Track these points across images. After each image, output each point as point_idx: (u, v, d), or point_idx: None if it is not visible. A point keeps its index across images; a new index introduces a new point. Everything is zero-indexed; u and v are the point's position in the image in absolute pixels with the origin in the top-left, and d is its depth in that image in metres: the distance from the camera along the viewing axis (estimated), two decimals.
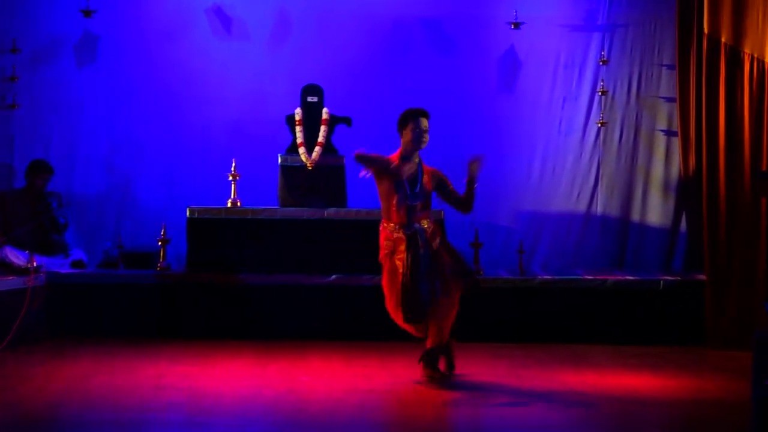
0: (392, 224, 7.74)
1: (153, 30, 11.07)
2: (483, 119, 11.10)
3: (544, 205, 11.04)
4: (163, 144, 11.07)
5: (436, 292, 7.61)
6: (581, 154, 11.06)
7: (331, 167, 10.12)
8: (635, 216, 10.97)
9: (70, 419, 6.78)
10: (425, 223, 7.75)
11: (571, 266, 10.74)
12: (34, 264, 9.31)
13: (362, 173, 7.71)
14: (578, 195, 11.05)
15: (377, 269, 9.57)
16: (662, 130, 10.97)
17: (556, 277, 9.95)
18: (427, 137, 7.81)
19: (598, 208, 11.03)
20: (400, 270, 7.60)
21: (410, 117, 7.80)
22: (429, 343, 7.81)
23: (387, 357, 8.81)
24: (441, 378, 7.78)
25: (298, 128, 10.16)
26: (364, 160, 7.63)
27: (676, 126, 10.50)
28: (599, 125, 11.00)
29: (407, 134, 7.77)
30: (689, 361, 8.88)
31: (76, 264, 10.12)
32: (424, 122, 7.79)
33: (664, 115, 10.96)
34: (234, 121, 11.05)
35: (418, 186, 7.71)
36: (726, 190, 9.66)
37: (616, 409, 7.11)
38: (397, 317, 7.80)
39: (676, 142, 10.58)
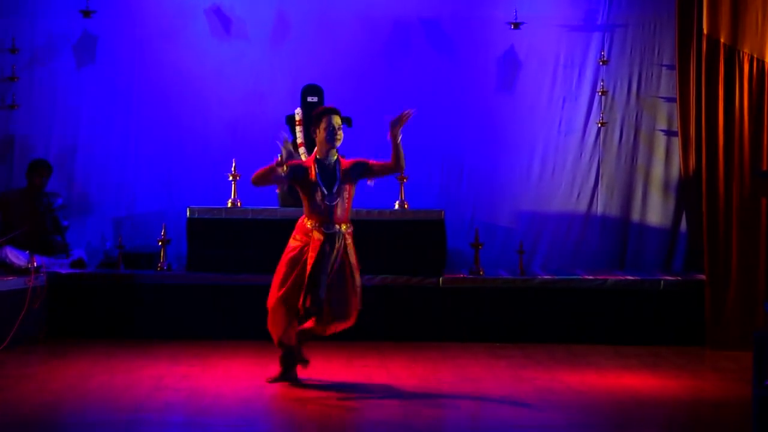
0: (311, 221, 7.58)
1: (152, 30, 11.06)
2: (482, 119, 11.09)
3: (544, 205, 11.02)
4: (162, 144, 11.07)
5: (330, 300, 7.45)
6: (581, 154, 11.05)
7: None
8: (635, 216, 10.96)
9: (68, 419, 6.78)
10: (344, 228, 7.61)
11: (571, 266, 10.73)
12: (35, 264, 9.30)
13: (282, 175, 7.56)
14: (578, 195, 11.04)
15: (376, 269, 9.61)
16: (662, 130, 10.96)
17: (556, 278, 9.94)
18: (340, 134, 7.65)
19: (598, 208, 11.02)
20: (309, 263, 7.43)
21: (322, 115, 7.67)
22: (309, 329, 7.66)
23: (386, 357, 8.81)
24: (291, 379, 7.69)
25: (298, 128, 10.15)
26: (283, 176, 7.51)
27: (676, 126, 10.48)
28: (599, 125, 10.99)
29: (320, 133, 7.64)
30: (689, 361, 8.87)
31: (76, 264, 10.11)
32: (336, 119, 7.65)
33: (663, 115, 10.95)
34: (234, 121, 11.04)
35: (336, 185, 7.59)
36: (726, 189, 9.65)
37: (615, 410, 7.11)
38: (277, 314, 7.52)
39: (676, 141, 10.57)
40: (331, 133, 7.61)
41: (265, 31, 11.11)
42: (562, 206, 11.03)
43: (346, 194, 7.60)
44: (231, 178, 10.06)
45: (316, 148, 7.71)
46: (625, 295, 9.77)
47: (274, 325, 7.53)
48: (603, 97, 10.96)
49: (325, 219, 7.52)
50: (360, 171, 7.69)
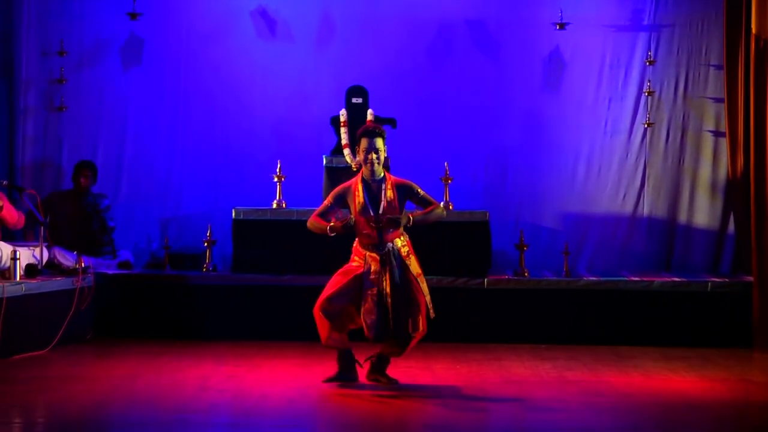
0: (364, 242, 7.50)
1: (198, 32, 11.12)
2: (527, 120, 11.05)
3: (590, 206, 10.97)
4: (208, 145, 11.13)
5: (405, 317, 7.39)
6: (627, 155, 10.98)
7: None
8: (682, 217, 10.87)
9: (115, 419, 6.82)
10: (399, 242, 7.52)
11: (617, 268, 10.67)
12: (82, 265, 9.37)
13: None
14: (624, 196, 10.97)
15: (424, 270, 9.58)
16: (710, 131, 10.86)
17: (602, 279, 9.89)
18: (375, 157, 7.46)
19: (645, 209, 10.94)
20: (371, 289, 7.37)
21: (360, 136, 7.54)
22: (387, 352, 7.64)
23: (431, 358, 8.79)
24: (388, 384, 7.64)
25: (342, 129, 10.14)
26: (342, 229, 7.46)
27: (724, 126, 10.39)
28: (646, 126, 10.91)
29: (359, 154, 7.55)
30: (737, 363, 8.78)
31: (123, 265, 10.18)
32: (377, 142, 7.48)
33: (711, 116, 10.85)
34: (279, 122, 11.08)
35: (381, 206, 7.46)
36: None
37: (662, 413, 7.04)
38: (322, 320, 7.45)
39: (724, 142, 10.48)
40: (366, 156, 7.49)
41: (310, 32, 11.13)
42: (608, 207, 10.97)
43: (393, 213, 7.48)
44: (276, 179, 10.09)
45: (362, 169, 7.64)
46: (671, 297, 9.70)
47: (320, 328, 7.53)
48: (649, 97, 10.88)
49: (375, 240, 7.46)
50: (406, 194, 7.61)
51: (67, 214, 10.25)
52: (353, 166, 9.97)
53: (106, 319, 9.68)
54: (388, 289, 7.38)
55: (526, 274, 9.90)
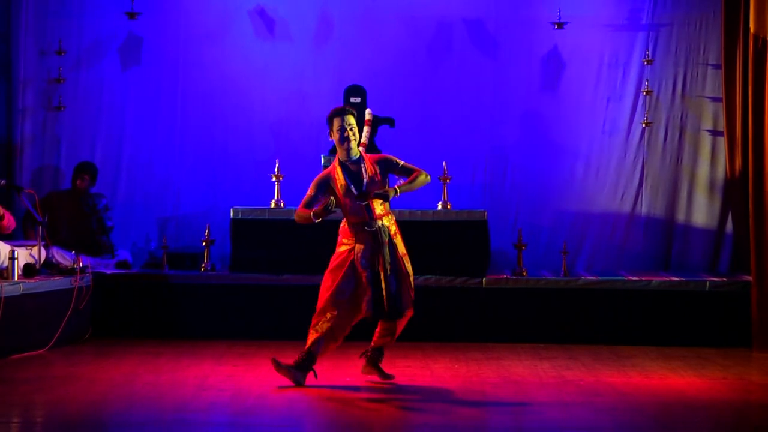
0: (353, 222, 7.52)
1: (196, 32, 11.12)
2: (526, 119, 11.05)
3: (588, 205, 10.97)
4: (206, 145, 11.13)
5: (389, 296, 7.40)
6: (625, 155, 10.98)
7: None
8: (680, 217, 10.88)
9: (114, 419, 6.82)
10: (386, 221, 7.53)
11: (616, 267, 10.68)
12: (81, 264, 9.37)
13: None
14: (622, 195, 10.98)
15: (419, 270, 9.57)
16: (708, 130, 10.87)
17: (600, 278, 9.89)
18: (351, 133, 7.47)
19: (643, 208, 10.95)
20: (361, 271, 7.39)
21: (332, 116, 7.52)
22: (380, 341, 7.68)
23: (429, 358, 8.80)
24: (384, 379, 7.67)
25: None
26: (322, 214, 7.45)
27: (722, 126, 10.41)
28: (644, 125, 10.91)
29: (334, 135, 7.52)
30: (735, 363, 8.78)
31: (121, 264, 10.19)
32: (348, 119, 7.48)
33: (709, 115, 10.85)
34: (277, 122, 11.08)
35: (364, 185, 7.47)
36: None
37: (661, 412, 7.04)
38: (327, 314, 7.46)
39: (722, 142, 10.49)
40: (342, 134, 7.49)
41: (309, 31, 11.13)
42: (606, 207, 10.98)
43: (378, 188, 7.49)
44: (274, 179, 10.09)
45: (337, 152, 7.64)
46: (670, 297, 9.70)
47: (316, 330, 7.50)
48: (648, 97, 10.88)
49: (364, 218, 7.48)
50: (386, 167, 7.61)
51: (65, 214, 10.26)
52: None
53: (104, 318, 9.68)
54: (380, 267, 7.39)
55: (524, 274, 9.90)
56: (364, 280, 7.42)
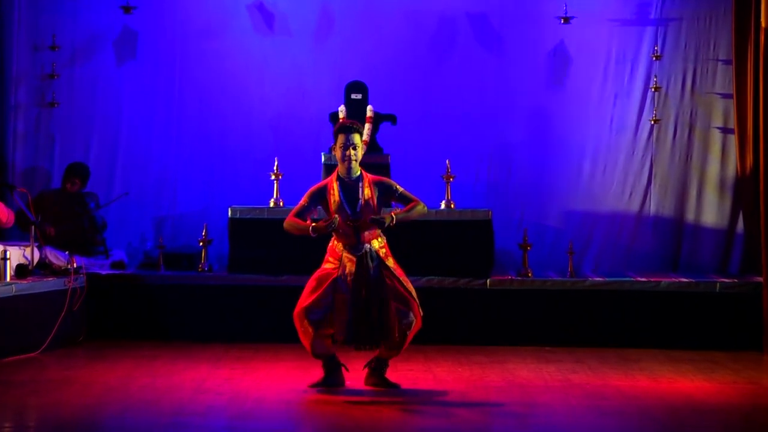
0: (340, 245, 7.49)
1: (193, 26, 11.14)
2: (531, 116, 11.07)
3: (595, 204, 10.99)
4: (204, 142, 11.15)
5: (389, 317, 7.35)
6: (633, 152, 11.00)
7: (375, 166, 10.08)
8: (690, 216, 10.89)
9: (109, 423, 6.84)
10: (376, 243, 7.50)
11: (623, 268, 10.69)
12: (74, 265, 9.39)
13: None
14: (630, 194, 10.99)
15: (421, 271, 9.61)
16: (718, 128, 10.88)
17: (608, 279, 9.90)
18: (354, 153, 7.45)
19: (651, 208, 10.96)
20: (347, 290, 7.35)
21: (337, 132, 7.52)
22: (386, 354, 7.64)
23: (432, 361, 8.81)
24: (388, 389, 7.65)
25: None
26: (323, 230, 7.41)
27: (733, 123, 10.41)
28: (652, 122, 10.93)
29: (336, 151, 7.52)
30: (746, 366, 8.79)
31: (116, 265, 10.21)
32: (353, 138, 7.46)
33: (719, 112, 10.87)
34: (276, 119, 11.10)
35: (359, 205, 7.45)
36: None
37: (669, 416, 7.06)
38: (306, 328, 7.45)
39: (733, 139, 10.50)
40: (343, 152, 7.47)
41: (309, 26, 11.15)
42: (614, 206, 10.99)
43: (371, 213, 7.46)
44: (273, 177, 10.11)
45: (338, 167, 7.63)
46: (679, 298, 9.71)
47: (304, 337, 7.54)
48: (656, 93, 10.90)
49: (352, 240, 7.45)
50: (384, 192, 7.59)
51: (56, 214, 10.25)
52: None
53: (99, 320, 9.70)
54: (364, 293, 7.37)
55: (529, 275, 9.91)
56: (341, 303, 7.39)
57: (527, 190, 11.10)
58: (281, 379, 7.94)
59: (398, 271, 7.55)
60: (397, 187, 7.64)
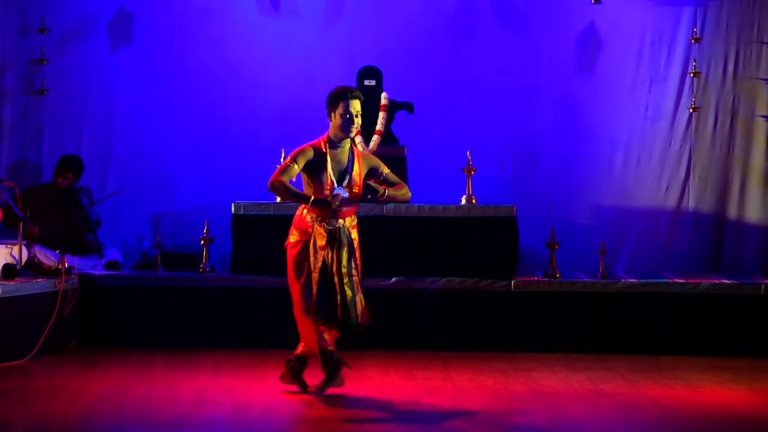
0: (310, 216, 7.52)
1: (193, 7, 11.16)
2: (559, 104, 11.06)
3: (629, 199, 10.98)
4: (204, 133, 11.16)
5: (358, 299, 7.42)
6: (670, 143, 10.98)
7: (390, 158, 10.07)
8: (732, 212, 10.87)
9: None
10: (349, 221, 7.53)
11: (659, 268, 10.68)
12: (66, 265, 9.41)
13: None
14: (667, 188, 10.98)
15: (440, 271, 9.61)
16: (762, 116, 10.87)
17: (642, 281, 9.88)
18: (358, 121, 7.51)
19: (690, 203, 10.95)
20: (315, 266, 7.39)
21: (340, 97, 7.51)
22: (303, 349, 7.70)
23: (452, 369, 8.81)
24: (303, 390, 7.69)
25: None
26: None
27: None
28: (691, 110, 10.91)
29: (336, 118, 7.51)
30: None
31: (110, 265, 10.22)
32: (356, 104, 7.50)
33: (764, 99, 10.86)
34: (283, 107, 11.11)
35: (347, 179, 7.48)
36: None
37: (709, 429, 7.05)
38: (305, 320, 7.55)
39: None
40: (348, 120, 7.49)
41: (318, 6, 11.16)
42: (649, 201, 10.98)
43: (356, 188, 7.51)
44: (278, 167, 10.08)
45: (328, 131, 7.62)
46: (720, 301, 9.69)
47: (309, 332, 7.56)
48: (695, 78, 10.88)
49: (327, 213, 7.47)
50: (370, 170, 7.63)
51: (45, 210, 10.24)
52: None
53: (91, 325, 9.72)
54: (334, 269, 7.40)
55: (557, 276, 9.90)
56: (313, 281, 7.42)
57: (554, 183, 11.09)
58: (289, 389, 7.94)
59: (357, 259, 7.57)
60: (384, 167, 7.70)
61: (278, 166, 7.61)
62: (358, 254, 7.61)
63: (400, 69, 10.76)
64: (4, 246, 9.35)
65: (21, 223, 9.41)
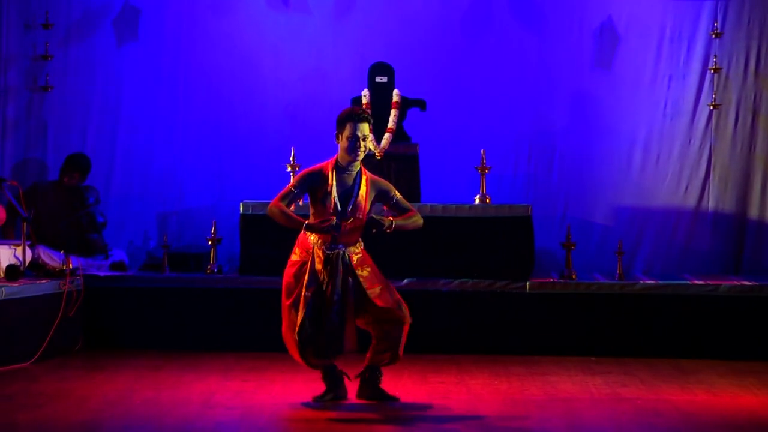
0: (314, 237, 7.45)
1: (201, 2, 11.18)
2: (576, 101, 11.05)
3: (647, 199, 10.97)
4: (212, 131, 11.17)
5: (344, 333, 7.35)
6: (690, 141, 10.97)
7: (402, 156, 10.11)
8: (753, 212, 10.86)
9: None
10: (353, 248, 7.46)
11: (678, 270, 10.66)
12: (70, 266, 9.41)
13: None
14: (686, 188, 10.97)
15: (454, 272, 9.60)
16: None
17: (661, 282, 9.86)
18: (363, 146, 7.42)
19: (710, 202, 10.93)
20: (308, 287, 7.33)
21: (347, 120, 7.47)
22: (375, 358, 7.61)
23: (465, 372, 8.80)
24: (384, 402, 7.63)
25: None
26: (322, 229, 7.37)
27: None
28: (711, 107, 10.89)
29: (342, 141, 7.46)
30: None
31: (116, 266, 10.22)
32: (363, 128, 7.42)
33: None
34: (292, 104, 11.11)
35: (351, 203, 7.42)
36: None
37: None
38: (288, 338, 7.51)
39: None
40: (353, 144, 7.43)
41: (328, 1, 11.16)
42: (668, 200, 10.96)
43: (360, 214, 7.44)
44: (289, 169, 10.10)
45: (337, 154, 7.58)
46: (741, 303, 9.66)
47: (294, 354, 7.53)
48: (715, 75, 10.86)
49: (327, 237, 7.40)
50: (380, 195, 7.56)
51: (52, 209, 10.25)
52: (377, 153, 9.98)
53: (97, 327, 9.73)
54: (327, 294, 7.35)
55: (573, 277, 9.89)
56: (302, 299, 7.37)
57: (571, 183, 11.08)
58: (299, 393, 7.93)
59: (374, 279, 7.47)
60: (396, 192, 7.62)
61: (280, 191, 7.57)
62: (370, 272, 7.50)
63: (413, 65, 10.75)
64: (7, 247, 9.36)
65: (25, 223, 9.41)
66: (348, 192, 7.46)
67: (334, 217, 7.35)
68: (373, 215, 7.43)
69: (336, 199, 7.41)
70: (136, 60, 11.18)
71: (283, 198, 7.50)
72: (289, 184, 7.58)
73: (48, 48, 11.07)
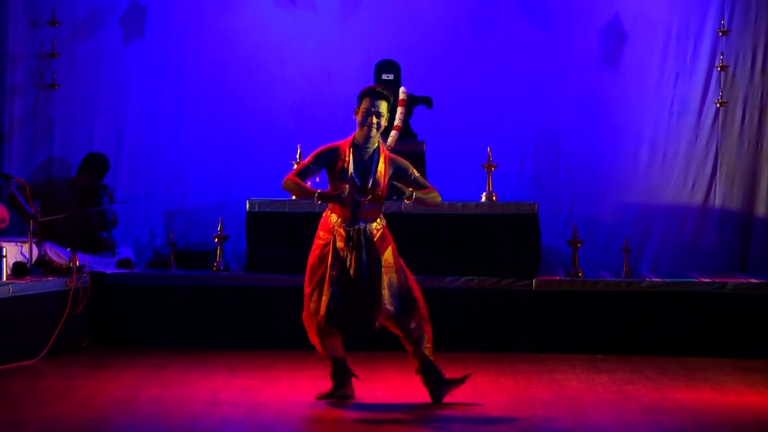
0: (334, 216, 7.45)
1: (207, 0, 11.13)
2: (582, 98, 11.03)
3: (654, 196, 10.95)
4: (219, 128, 11.16)
5: (374, 305, 7.34)
6: (697, 139, 10.95)
7: (409, 154, 10.05)
8: (760, 209, 10.84)
9: None
10: (375, 224, 7.45)
11: (685, 267, 10.65)
12: (77, 263, 9.41)
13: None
14: (693, 185, 10.95)
15: (460, 270, 9.59)
16: None
17: (667, 280, 9.85)
18: (376, 121, 7.36)
19: (717, 200, 10.90)
20: (333, 266, 7.33)
21: (365, 95, 7.44)
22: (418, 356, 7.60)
23: (470, 369, 8.76)
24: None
25: None
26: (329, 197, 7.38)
27: None
28: (718, 105, 10.87)
29: (358, 116, 7.44)
30: None
31: (123, 263, 10.22)
32: (381, 105, 7.39)
33: None
34: (299, 101, 11.10)
35: (370, 179, 7.40)
36: None
37: None
38: (309, 323, 7.53)
39: None
40: (366, 118, 7.39)
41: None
42: (675, 198, 10.94)
43: (379, 191, 7.42)
44: (296, 166, 10.08)
45: (355, 131, 7.56)
46: (747, 301, 9.65)
47: (313, 339, 7.54)
48: (722, 72, 10.83)
49: (347, 214, 7.41)
50: (398, 173, 7.53)
51: (65, 206, 10.22)
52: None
53: (103, 324, 9.73)
54: (351, 272, 7.35)
55: (580, 275, 9.87)
56: (327, 279, 7.37)
57: (577, 180, 11.06)
58: (305, 391, 7.93)
59: (389, 261, 7.46)
60: (413, 170, 7.60)
61: (296, 165, 7.57)
62: (390, 252, 7.49)
63: (419, 63, 10.74)
64: (14, 244, 9.36)
65: (31, 221, 9.41)
66: (366, 169, 7.44)
67: (347, 186, 7.34)
68: (394, 182, 7.41)
69: (355, 175, 7.40)
70: (143, 58, 11.17)
71: (299, 173, 7.50)
72: (306, 160, 7.56)
73: (55, 46, 11.07)
